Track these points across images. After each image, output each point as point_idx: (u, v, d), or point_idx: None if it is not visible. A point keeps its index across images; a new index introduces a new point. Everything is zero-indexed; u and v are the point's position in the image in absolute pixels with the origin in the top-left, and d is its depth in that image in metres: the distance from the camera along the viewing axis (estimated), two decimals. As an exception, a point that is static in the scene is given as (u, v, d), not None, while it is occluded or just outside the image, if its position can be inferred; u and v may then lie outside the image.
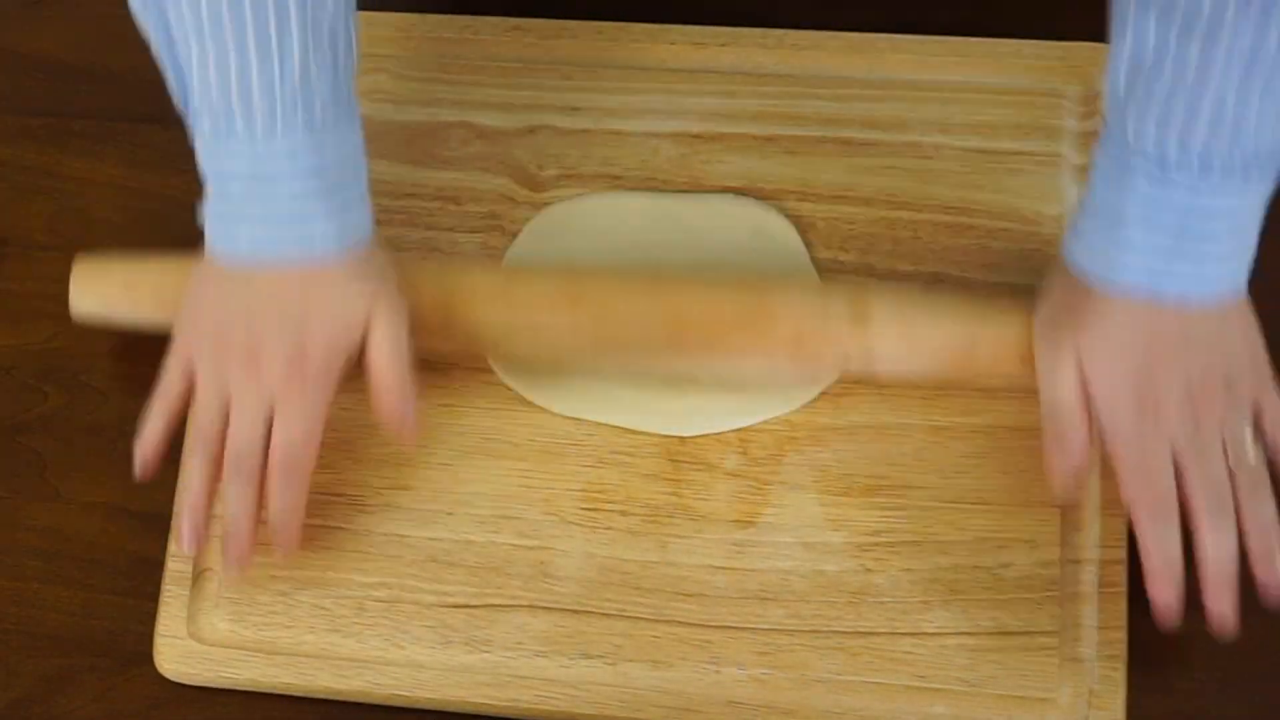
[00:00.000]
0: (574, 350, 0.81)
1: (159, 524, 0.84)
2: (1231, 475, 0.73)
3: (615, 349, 0.80)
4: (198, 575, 0.82)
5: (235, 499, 0.76)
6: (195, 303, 0.78)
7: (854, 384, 0.82)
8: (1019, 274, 0.83)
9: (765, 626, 0.79)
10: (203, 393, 0.77)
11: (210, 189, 0.76)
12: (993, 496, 0.80)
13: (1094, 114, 0.85)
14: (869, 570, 0.79)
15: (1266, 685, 0.78)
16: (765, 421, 0.82)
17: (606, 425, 0.83)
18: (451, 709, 0.80)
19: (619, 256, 0.86)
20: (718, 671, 0.78)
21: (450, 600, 0.81)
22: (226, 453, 0.76)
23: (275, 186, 0.74)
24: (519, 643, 0.80)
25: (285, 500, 0.76)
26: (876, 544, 0.80)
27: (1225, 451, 0.73)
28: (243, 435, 0.76)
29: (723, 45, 0.89)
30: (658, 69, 0.89)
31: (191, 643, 0.81)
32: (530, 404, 0.84)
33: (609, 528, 0.81)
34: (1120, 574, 0.78)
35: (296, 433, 0.75)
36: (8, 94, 0.96)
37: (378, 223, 0.83)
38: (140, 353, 0.88)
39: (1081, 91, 0.86)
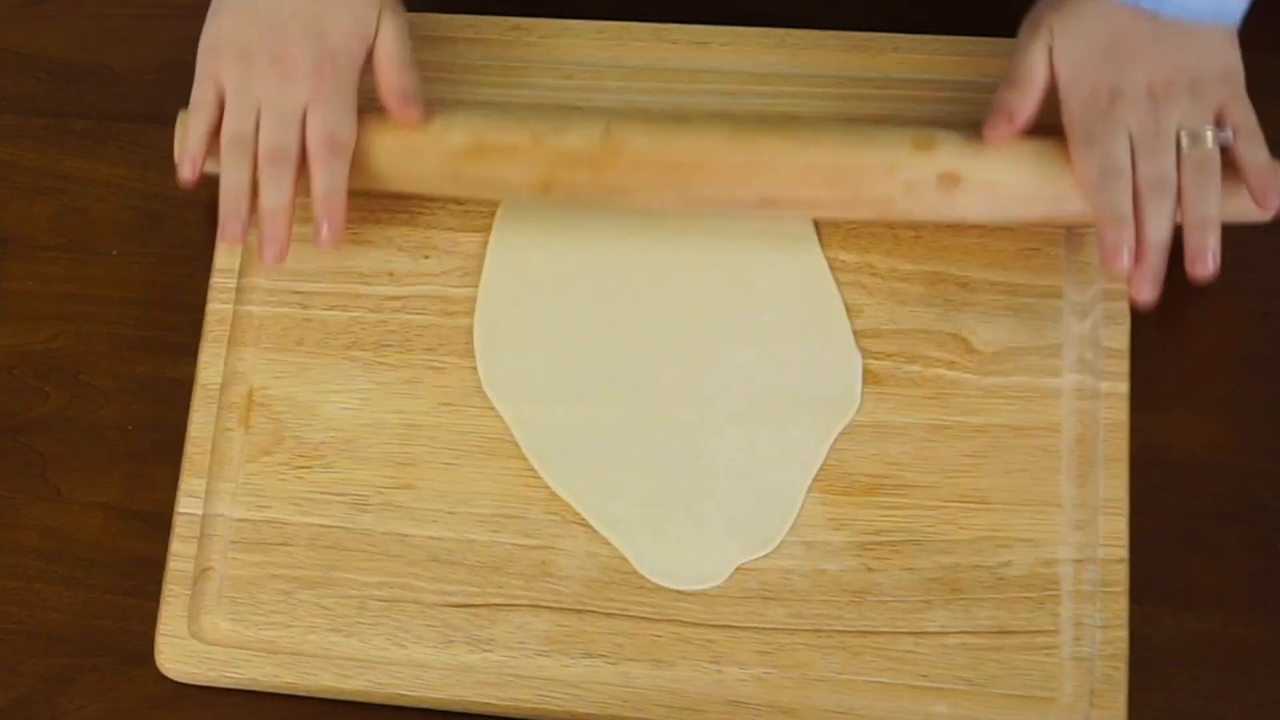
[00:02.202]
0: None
1: (160, 523, 0.84)
2: (1180, 164, 0.77)
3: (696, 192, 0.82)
4: (199, 575, 0.82)
5: (273, 189, 0.81)
6: (215, 27, 0.84)
7: (855, 383, 0.82)
8: (1021, 273, 0.83)
9: (767, 626, 0.79)
10: (234, 102, 0.82)
11: None
12: (994, 496, 0.80)
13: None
14: (870, 569, 0.79)
15: (1266, 685, 0.78)
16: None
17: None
18: (453, 708, 0.80)
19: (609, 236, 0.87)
20: (719, 671, 0.78)
21: (452, 600, 0.81)
22: (262, 151, 0.81)
23: None
24: (521, 642, 0.80)
25: (328, 179, 0.81)
26: (878, 543, 0.80)
27: (1180, 145, 0.77)
28: (278, 132, 0.81)
29: (724, 45, 0.89)
30: (659, 69, 0.89)
31: (193, 642, 0.81)
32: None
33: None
34: (1121, 573, 0.78)
35: (333, 120, 0.82)
36: (8, 94, 0.96)
37: (377, 221, 0.84)
38: (141, 352, 0.88)
39: (1082, 91, 0.86)
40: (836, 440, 0.81)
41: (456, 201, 0.88)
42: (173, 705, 0.81)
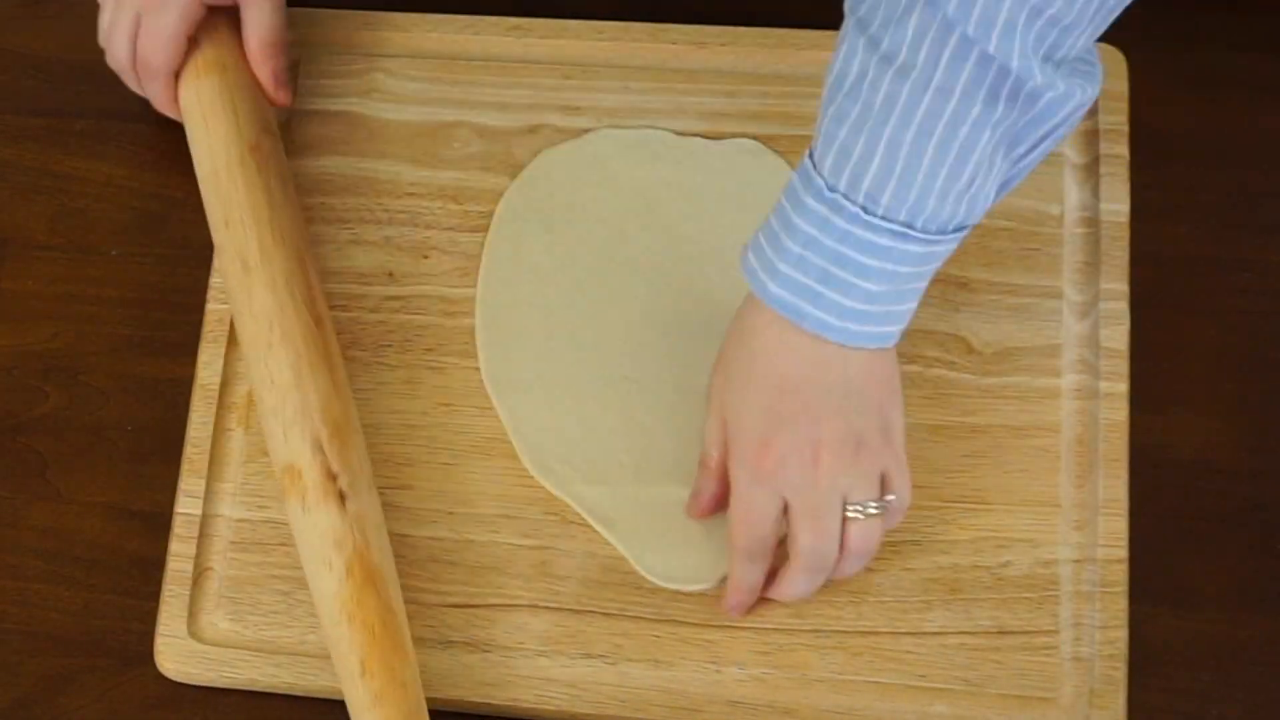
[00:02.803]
0: None
1: (160, 524, 0.84)
2: (845, 532, 0.74)
3: None
4: (198, 575, 0.82)
5: (114, 58, 0.89)
6: None
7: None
8: (1018, 273, 0.83)
9: (766, 626, 0.79)
10: (103, 10, 0.89)
11: None
12: (993, 496, 0.80)
13: (1095, 113, 0.85)
14: (870, 570, 0.79)
15: (1266, 685, 0.78)
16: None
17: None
18: (452, 708, 0.79)
19: (616, 192, 0.87)
20: (718, 671, 0.78)
21: (451, 600, 0.81)
22: (107, 58, 0.89)
23: None
24: (520, 642, 0.80)
25: (153, 96, 0.88)
26: (877, 543, 0.80)
27: (846, 515, 0.74)
28: (114, 46, 0.88)
29: (723, 45, 0.89)
30: (658, 68, 0.89)
31: (192, 642, 0.81)
32: (531, 403, 0.84)
33: (610, 527, 0.81)
34: (1121, 573, 0.78)
35: (149, 46, 0.86)
36: (8, 94, 0.96)
37: (376, 221, 0.84)
38: (141, 352, 0.88)
39: (1082, 91, 0.86)
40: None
41: (455, 201, 0.88)
42: (172, 705, 0.81)
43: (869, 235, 0.68)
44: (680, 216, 0.86)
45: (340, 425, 0.78)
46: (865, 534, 0.74)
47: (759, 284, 0.71)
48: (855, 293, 0.69)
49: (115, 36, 0.87)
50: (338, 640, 0.76)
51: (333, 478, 0.77)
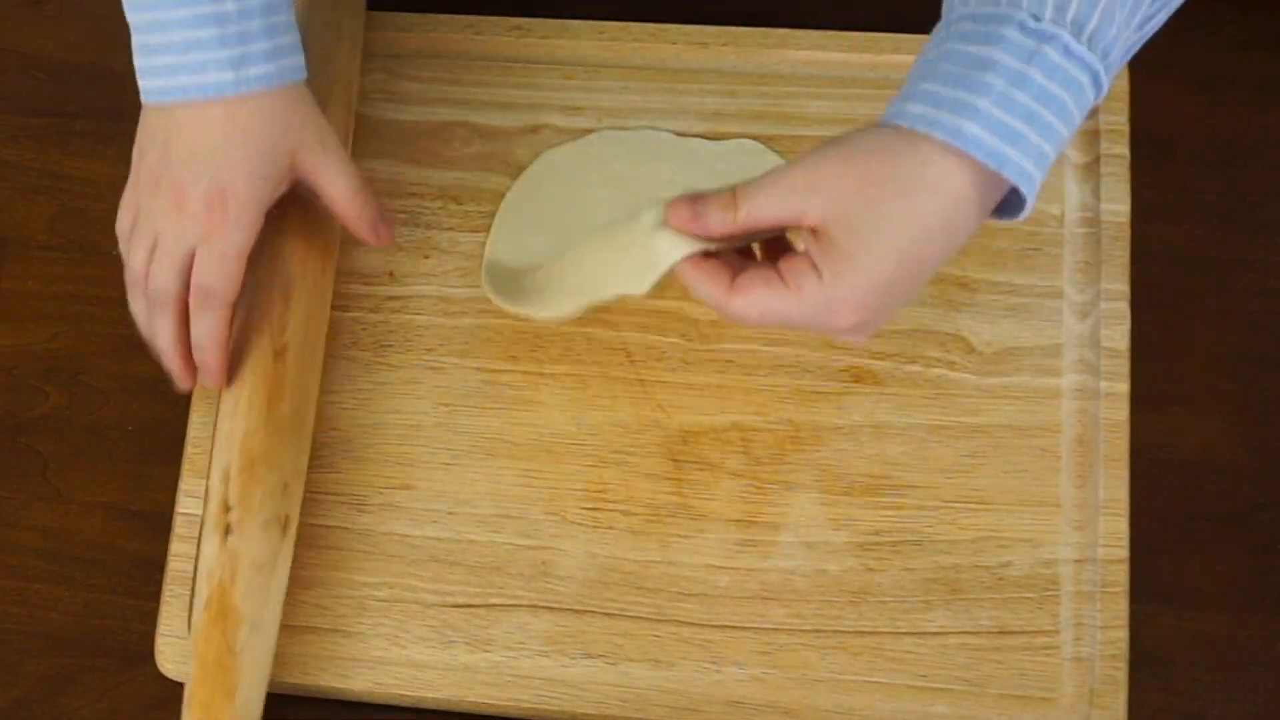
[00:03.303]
0: None
1: (160, 524, 0.84)
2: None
3: None
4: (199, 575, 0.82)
5: (158, 332, 0.79)
6: (137, 143, 0.79)
7: (854, 383, 0.82)
8: (1019, 273, 0.83)
9: (767, 626, 0.79)
10: (136, 235, 0.78)
11: (134, 39, 0.76)
12: (993, 496, 0.80)
13: (1095, 113, 0.85)
14: (870, 570, 0.79)
15: (1266, 685, 0.78)
16: (767, 421, 0.82)
17: (609, 422, 0.83)
18: (453, 708, 0.80)
19: (617, 191, 0.87)
20: (719, 671, 0.78)
21: (451, 600, 0.81)
22: (148, 290, 0.79)
23: (172, 33, 0.74)
24: (520, 642, 0.80)
25: (200, 331, 0.78)
26: (878, 543, 0.80)
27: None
28: (159, 277, 0.78)
29: (724, 45, 0.89)
30: (659, 68, 0.89)
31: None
32: (531, 403, 0.84)
33: (610, 527, 0.81)
34: (1121, 573, 0.78)
35: (215, 271, 0.77)
36: (8, 94, 0.96)
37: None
38: (141, 352, 0.88)
39: (1082, 91, 0.86)
40: (837, 440, 0.81)
41: (456, 201, 0.88)
42: (173, 705, 0.81)
43: (1075, 71, 0.64)
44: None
45: (254, 460, 0.78)
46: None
47: (946, 127, 0.63)
48: (1052, 137, 0.64)
49: (162, 272, 0.77)
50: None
51: (225, 510, 0.78)
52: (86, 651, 0.84)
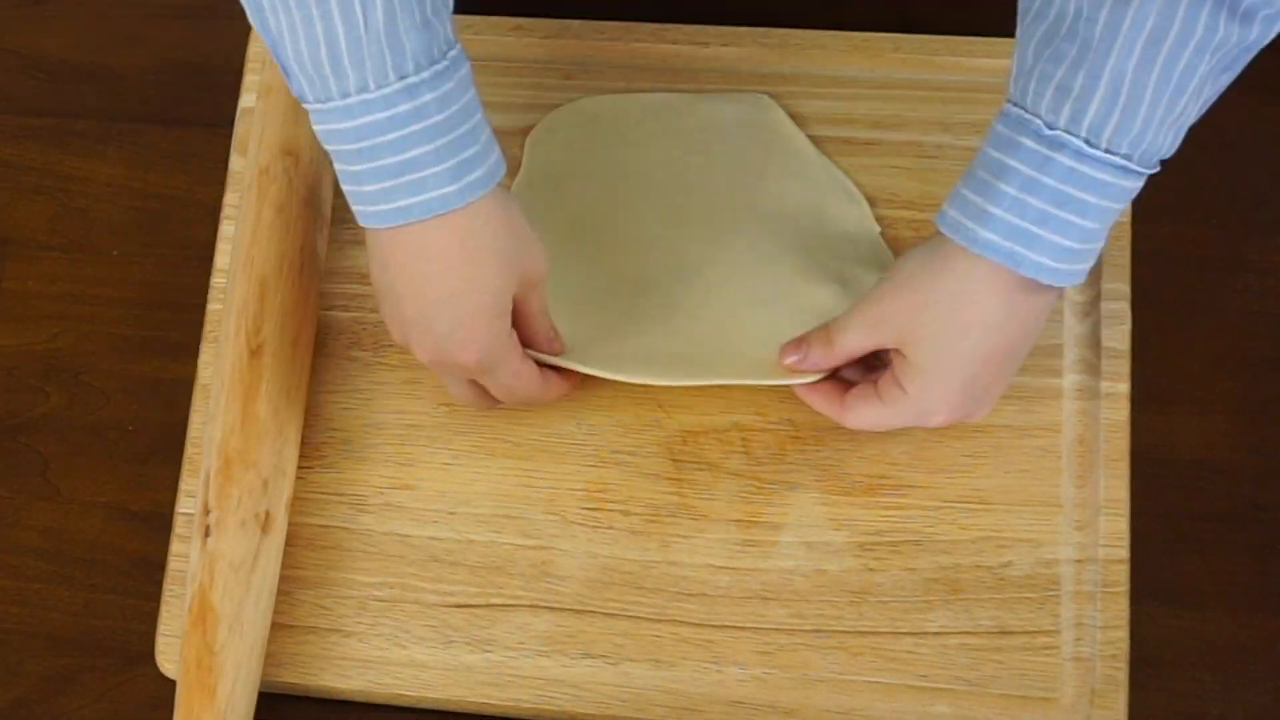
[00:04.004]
0: None
1: (160, 524, 0.84)
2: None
3: None
4: (199, 575, 0.82)
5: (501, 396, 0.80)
6: (375, 277, 0.76)
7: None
8: (1021, 273, 0.83)
9: (767, 626, 0.79)
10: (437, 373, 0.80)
11: (335, 164, 0.72)
12: (994, 496, 0.80)
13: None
14: (871, 570, 0.79)
15: (1266, 685, 0.78)
16: (768, 421, 0.82)
17: (609, 422, 0.83)
18: (453, 708, 0.80)
19: (632, 154, 0.87)
20: (719, 671, 0.78)
21: (452, 600, 0.81)
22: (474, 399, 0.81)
23: (380, 150, 0.70)
24: (521, 642, 0.80)
25: (531, 396, 0.80)
26: (878, 543, 0.80)
27: None
28: (464, 400, 0.81)
29: (725, 45, 0.89)
30: (660, 68, 0.89)
31: (193, 642, 0.81)
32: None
33: (611, 527, 0.81)
34: (1122, 573, 0.78)
35: (508, 389, 0.78)
36: (8, 94, 0.96)
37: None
38: (141, 352, 0.88)
39: (1083, 91, 0.86)
40: (837, 440, 0.81)
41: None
42: (173, 705, 0.81)
43: (1093, 171, 0.68)
44: (689, 165, 0.87)
45: (232, 460, 0.79)
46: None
47: (966, 233, 0.71)
48: (1074, 232, 0.69)
49: (462, 396, 0.80)
50: None
51: (205, 512, 0.78)
52: (86, 651, 0.84)
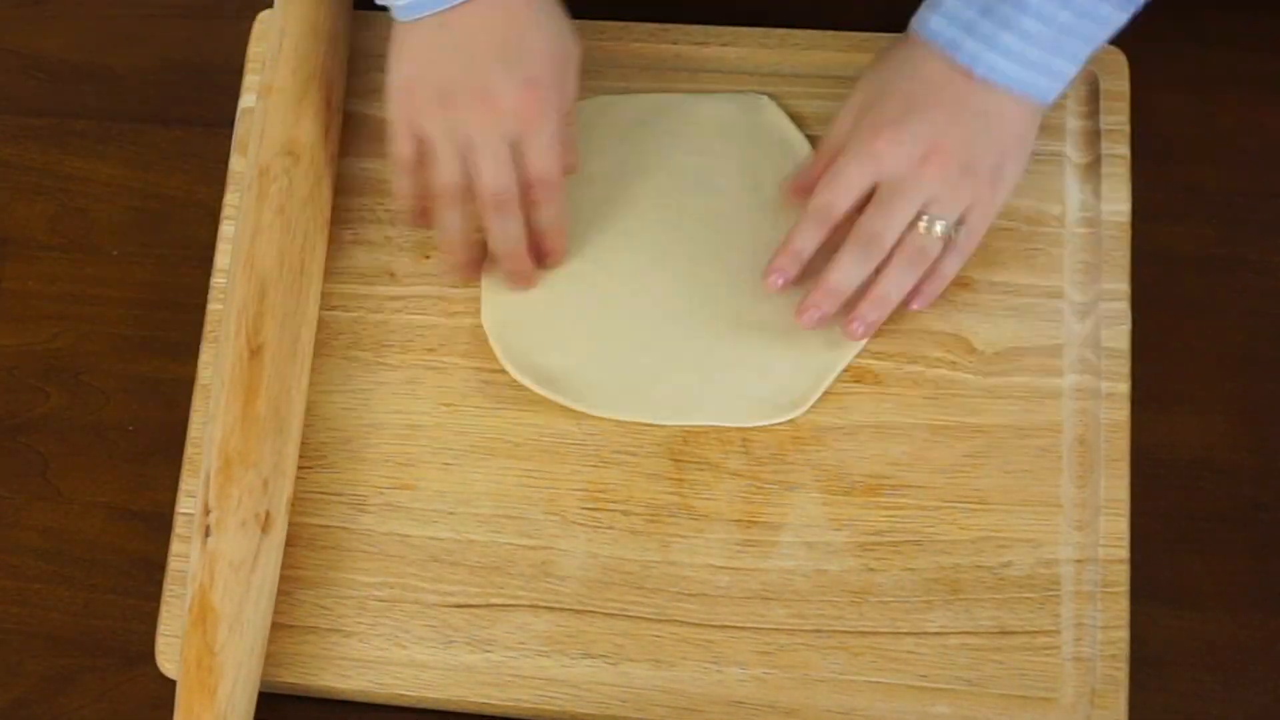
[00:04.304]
0: None
1: (160, 524, 0.84)
2: (904, 240, 0.78)
3: None
4: (199, 575, 0.82)
5: (502, 236, 0.80)
6: (404, 69, 0.78)
7: (855, 383, 0.82)
8: (1020, 273, 0.83)
9: (767, 626, 0.79)
10: (440, 151, 0.79)
11: None
12: (994, 496, 0.80)
13: (1095, 113, 0.85)
14: (871, 570, 0.79)
15: (1266, 685, 0.78)
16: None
17: (609, 422, 0.83)
18: (453, 708, 0.80)
19: (633, 155, 0.87)
20: (720, 671, 0.78)
21: (452, 600, 0.81)
22: (483, 196, 0.79)
23: None
24: (521, 642, 0.80)
25: (550, 211, 0.81)
26: (879, 543, 0.80)
27: (917, 221, 0.78)
28: (496, 176, 0.78)
29: (724, 45, 0.89)
30: (660, 69, 0.89)
31: (193, 642, 0.81)
32: (532, 403, 0.83)
33: (611, 527, 0.81)
34: (1122, 573, 0.78)
35: (548, 158, 0.78)
36: (8, 94, 0.96)
37: (377, 221, 0.84)
38: (141, 352, 0.88)
39: (1083, 91, 0.86)
40: (837, 440, 0.81)
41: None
42: (173, 705, 0.81)
43: None
44: (688, 165, 0.87)
45: (230, 460, 0.79)
46: (921, 247, 0.78)
47: (919, 20, 0.76)
48: (1013, 27, 0.73)
49: (499, 175, 0.78)
50: None
51: (206, 512, 0.78)
52: (86, 651, 0.84)
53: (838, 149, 0.79)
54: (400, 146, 0.80)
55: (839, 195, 0.78)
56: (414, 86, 0.78)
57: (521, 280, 0.84)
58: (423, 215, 0.83)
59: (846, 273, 0.78)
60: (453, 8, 0.76)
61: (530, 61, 0.77)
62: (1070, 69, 0.76)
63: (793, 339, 0.82)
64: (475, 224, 0.82)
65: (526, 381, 0.83)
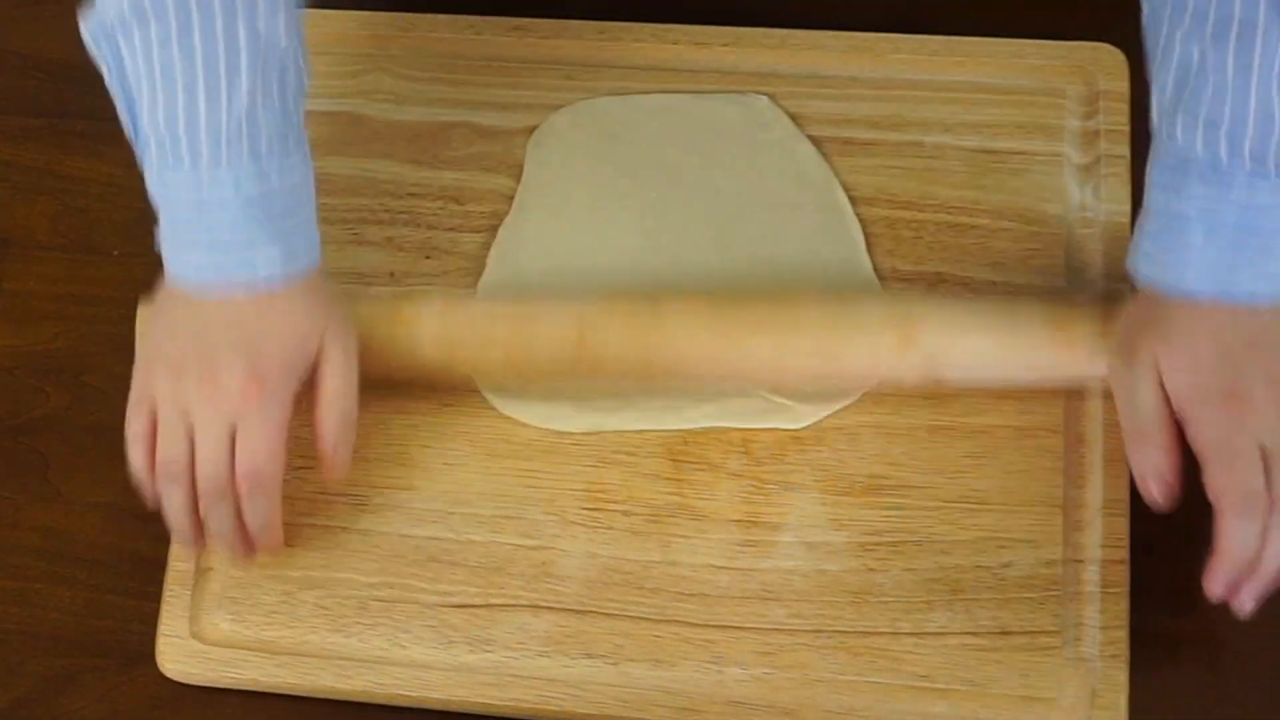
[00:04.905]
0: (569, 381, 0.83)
1: (161, 524, 0.83)
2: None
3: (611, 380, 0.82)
4: (200, 575, 0.82)
5: (217, 521, 0.77)
6: (152, 329, 0.80)
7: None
8: (1021, 274, 0.83)
9: (767, 626, 0.79)
10: (165, 425, 0.77)
11: (160, 216, 0.78)
12: (994, 496, 0.80)
13: (1095, 113, 0.85)
14: (871, 570, 0.79)
15: (1267, 685, 0.78)
16: (767, 421, 0.82)
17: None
18: (454, 709, 0.79)
19: (633, 155, 0.87)
20: (720, 671, 0.78)
21: (452, 600, 0.81)
22: (198, 480, 0.77)
23: (219, 213, 0.75)
24: (521, 643, 0.80)
25: (257, 517, 0.77)
26: (879, 544, 0.80)
27: None
28: (209, 460, 0.76)
29: (725, 45, 0.89)
30: (660, 69, 0.89)
31: (194, 642, 0.81)
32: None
33: (611, 527, 0.81)
34: (1122, 574, 0.78)
35: (260, 451, 0.76)
36: (9, 94, 0.96)
37: (378, 221, 0.84)
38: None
39: (1083, 91, 0.86)
40: (837, 440, 0.81)
41: (457, 201, 0.88)
42: (173, 706, 0.81)
43: (1270, 198, 0.70)
44: (688, 166, 0.87)
45: None
46: None
47: (1174, 276, 0.72)
48: (1274, 254, 0.71)
49: (211, 460, 0.76)
50: None
51: None
52: (87, 651, 0.84)
53: (1170, 427, 0.74)
54: (134, 420, 0.78)
55: (1254, 474, 0.72)
56: (157, 352, 0.78)
57: (244, 557, 0.80)
58: (147, 489, 0.79)
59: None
60: (209, 289, 0.76)
61: (262, 356, 0.76)
62: None
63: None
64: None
65: (535, 422, 0.83)
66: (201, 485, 0.77)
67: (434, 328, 0.81)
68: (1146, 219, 0.74)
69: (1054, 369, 0.79)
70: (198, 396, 0.76)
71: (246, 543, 0.78)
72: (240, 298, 0.76)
